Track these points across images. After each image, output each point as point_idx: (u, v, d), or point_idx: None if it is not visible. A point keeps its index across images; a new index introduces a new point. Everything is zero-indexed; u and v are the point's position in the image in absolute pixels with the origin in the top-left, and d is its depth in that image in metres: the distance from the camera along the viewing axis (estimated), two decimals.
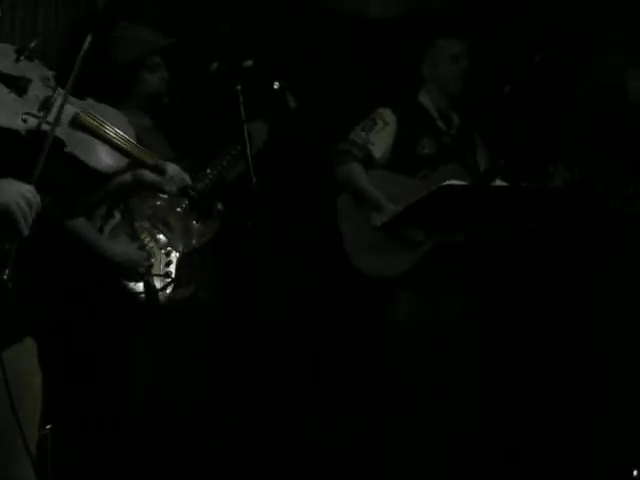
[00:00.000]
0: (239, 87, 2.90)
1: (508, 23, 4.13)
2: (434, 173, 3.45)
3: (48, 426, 2.31)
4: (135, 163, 2.14)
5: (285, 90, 3.35)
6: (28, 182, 1.92)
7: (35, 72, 2.04)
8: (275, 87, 3.32)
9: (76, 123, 2.05)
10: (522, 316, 3.82)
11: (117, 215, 3.16)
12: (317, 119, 4.00)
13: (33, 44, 2.03)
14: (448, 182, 3.01)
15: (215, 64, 2.99)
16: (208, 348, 3.42)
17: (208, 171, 3.33)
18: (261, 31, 3.91)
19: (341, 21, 4.37)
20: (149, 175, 2.19)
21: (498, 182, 3.25)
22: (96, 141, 2.07)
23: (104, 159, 2.07)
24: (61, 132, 2.01)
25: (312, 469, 3.92)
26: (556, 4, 4.01)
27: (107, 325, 3.13)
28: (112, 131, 2.10)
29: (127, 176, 2.17)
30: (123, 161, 2.11)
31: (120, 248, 3.10)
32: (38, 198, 1.92)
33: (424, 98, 3.62)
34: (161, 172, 2.20)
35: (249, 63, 2.96)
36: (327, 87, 4.13)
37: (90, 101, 2.13)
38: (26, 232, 1.90)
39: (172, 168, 2.23)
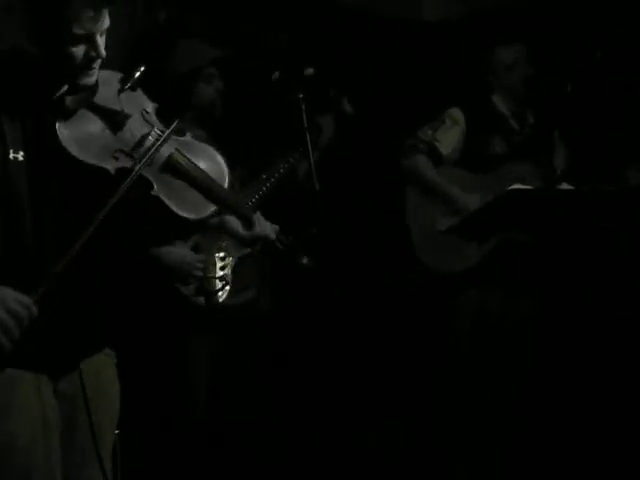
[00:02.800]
0: (301, 95, 2.91)
1: (566, 21, 4.09)
2: (504, 172, 3.45)
3: (116, 431, 2.32)
4: (224, 209, 2.10)
5: (341, 97, 3.35)
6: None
7: (135, 104, 2.03)
8: (331, 94, 3.33)
9: (168, 165, 2.00)
10: (588, 319, 3.76)
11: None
12: (375, 124, 3.99)
13: (138, 73, 1.99)
14: (514, 187, 2.97)
15: (277, 73, 3.00)
16: (265, 354, 3.43)
17: (264, 176, 3.34)
18: (318, 39, 3.91)
19: (396, 25, 4.36)
20: (236, 226, 2.17)
21: (564, 185, 3.20)
22: (186, 185, 2.01)
23: (190, 206, 2.01)
24: (150, 173, 1.97)
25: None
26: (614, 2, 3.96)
27: (165, 329, 3.16)
28: (204, 176, 2.04)
29: (214, 221, 2.12)
30: (211, 208, 2.04)
31: (175, 251, 3.12)
32: (34, 309, 1.84)
33: (497, 98, 3.65)
34: (249, 225, 2.17)
35: (310, 71, 2.96)
36: (385, 92, 4.12)
37: (188, 138, 2.11)
38: (8, 347, 1.81)
39: (261, 223, 2.21)
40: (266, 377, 3.46)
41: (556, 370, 3.65)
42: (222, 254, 3.25)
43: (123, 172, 1.94)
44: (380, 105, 4.06)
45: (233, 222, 2.17)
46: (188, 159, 2.03)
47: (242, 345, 3.32)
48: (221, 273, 3.23)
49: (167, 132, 1.99)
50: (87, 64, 1.93)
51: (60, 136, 1.91)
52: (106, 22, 1.93)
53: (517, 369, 3.46)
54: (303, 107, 2.90)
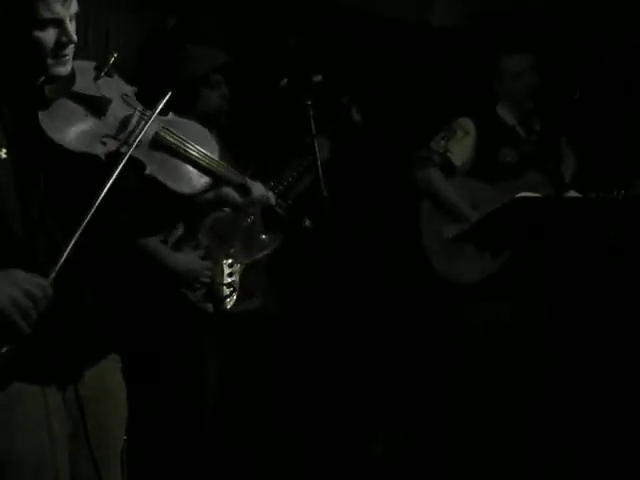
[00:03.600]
0: (309, 102, 2.91)
1: (573, 27, 4.08)
2: (515, 181, 3.44)
3: (124, 437, 2.32)
4: (218, 181, 2.09)
5: (350, 105, 3.35)
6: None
7: (115, 89, 2.01)
8: (343, 101, 3.33)
9: (157, 143, 2.00)
10: (599, 327, 3.76)
11: (180, 226, 3.19)
12: (385, 131, 3.99)
13: (113, 58, 1.98)
14: (521, 194, 2.97)
15: (285, 80, 3.00)
16: (273, 361, 3.43)
17: (272, 184, 3.35)
18: (326, 46, 3.92)
19: (405, 32, 4.36)
20: (233, 194, 2.13)
21: (572, 193, 3.20)
22: (178, 161, 2.02)
23: (185, 180, 2.02)
24: (141, 154, 1.97)
25: None
26: (621, 6, 3.95)
27: (173, 335, 3.16)
28: (194, 149, 2.04)
29: (210, 194, 2.10)
30: (205, 180, 2.06)
31: (182, 258, 3.13)
32: (49, 290, 1.82)
33: (501, 109, 3.63)
34: (246, 192, 2.14)
35: (319, 78, 2.96)
36: (395, 99, 4.12)
37: (172, 117, 2.09)
38: (27, 331, 1.80)
39: (257, 188, 2.18)
40: (274, 383, 3.46)
41: (565, 378, 3.65)
42: (230, 261, 3.26)
43: (113, 157, 1.92)
44: (388, 113, 4.06)
45: (229, 192, 2.14)
46: (175, 135, 2.03)
47: (250, 352, 3.33)
48: (229, 280, 3.24)
49: (155, 111, 1.98)
50: (58, 50, 1.88)
51: (44, 128, 1.87)
52: (74, 6, 1.88)
53: (526, 377, 3.45)
54: (311, 114, 2.90)
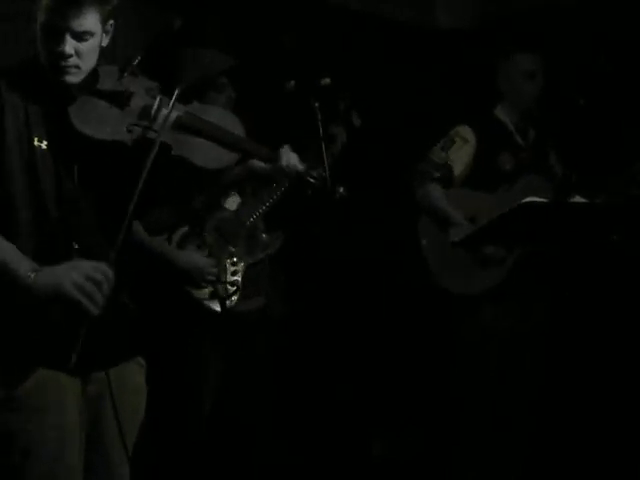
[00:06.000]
0: (317, 104, 2.91)
1: (578, 34, 4.08)
2: (515, 187, 3.43)
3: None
4: (245, 156, 2.16)
5: (350, 108, 3.35)
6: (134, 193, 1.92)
7: (138, 85, 2.11)
8: (340, 106, 3.33)
9: (180, 126, 2.09)
10: (602, 331, 3.77)
11: (185, 225, 3.20)
12: (387, 134, 3.99)
13: (137, 60, 2.11)
14: (529, 199, 2.97)
15: (292, 82, 3.00)
16: (272, 362, 3.43)
17: (274, 185, 3.35)
18: (330, 48, 3.92)
19: (409, 32, 4.36)
20: (260, 165, 2.20)
21: (577, 198, 3.20)
22: (202, 141, 2.10)
23: (211, 157, 2.09)
24: (166, 137, 2.05)
25: None
26: (626, 12, 3.96)
27: (177, 333, 3.17)
28: (217, 128, 2.12)
29: (238, 169, 2.19)
30: (231, 156, 2.12)
31: (187, 255, 3.16)
32: (111, 274, 1.90)
33: (501, 112, 3.58)
34: (273, 160, 2.19)
35: (327, 81, 2.96)
36: (396, 102, 4.13)
37: (195, 104, 2.18)
38: (95, 312, 1.88)
39: (286, 155, 2.23)
40: (275, 382, 3.46)
41: (567, 380, 3.67)
42: (234, 259, 3.27)
43: (139, 143, 2.03)
44: (389, 116, 4.07)
45: (258, 163, 2.22)
46: (197, 117, 2.12)
47: (252, 350, 3.33)
48: (232, 279, 3.26)
49: (174, 96, 2.07)
50: (55, 60, 1.99)
51: (73, 122, 1.99)
52: (81, 24, 1.97)
53: (528, 379, 3.47)
54: (319, 116, 2.90)
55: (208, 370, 3.25)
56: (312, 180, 2.27)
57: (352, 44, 4.19)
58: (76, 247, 2.00)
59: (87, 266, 1.91)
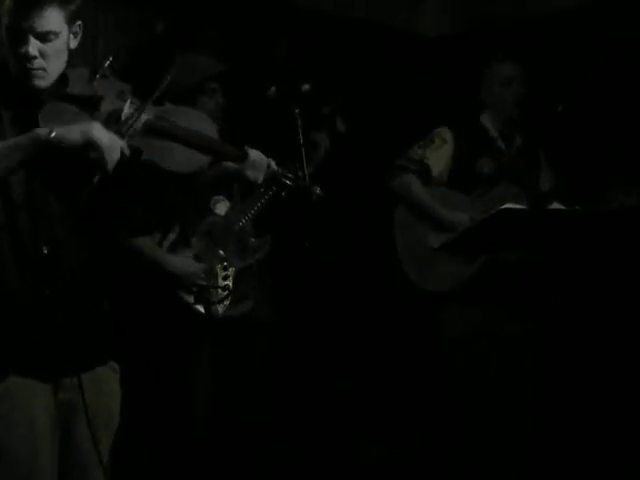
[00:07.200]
0: (297, 110, 2.92)
1: (559, 41, 4.11)
2: (490, 192, 3.46)
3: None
4: (216, 158, 2.14)
5: (335, 114, 3.37)
6: None
7: (110, 88, 2.09)
8: (324, 112, 3.34)
9: (151, 130, 2.07)
10: (579, 336, 3.79)
11: (175, 230, 3.20)
12: (371, 140, 4.00)
13: (108, 62, 2.08)
14: (506, 205, 2.99)
15: (273, 88, 3.01)
16: (264, 365, 3.44)
17: (262, 190, 3.36)
18: (315, 54, 3.93)
19: (395, 39, 4.38)
20: (231, 165, 2.17)
21: (555, 205, 3.22)
22: (171, 144, 2.08)
23: (180, 160, 2.08)
24: (136, 141, 2.04)
25: None
26: (609, 20, 3.98)
27: (167, 337, 3.17)
28: (187, 131, 2.10)
29: (211, 172, 2.16)
30: (202, 159, 2.11)
31: (178, 260, 3.16)
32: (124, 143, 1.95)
33: (485, 119, 3.62)
34: (242, 159, 2.18)
35: (307, 87, 2.97)
36: (381, 107, 4.14)
37: (168, 106, 2.16)
38: (109, 166, 1.92)
39: (254, 153, 2.21)
40: (267, 386, 3.47)
41: (568, 382, 3.68)
42: (224, 264, 3.27)
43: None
44: (373, 122, 4.08)
45: (229, 164, 2.19)
46: (167, 120, 2.10)
47: (242, 354, 3.34)
48: (224, 283, 3.27)
49: (146, 101, 2.06)
50: (20, 63, 1.98)
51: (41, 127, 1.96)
52: (42, 25, 1.96)
53: (515, 382, 3.47)
54: (299, 123, 2.91)
55: (197, 373, 3.24)
56: (287, 181, 2.26)
57: (337, 51, 4.20)
58: (45, 252, 1.99)
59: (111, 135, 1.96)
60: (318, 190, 2.36)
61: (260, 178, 2.21)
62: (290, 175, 2.36)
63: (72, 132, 1.92)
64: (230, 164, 2.18)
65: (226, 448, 3.30)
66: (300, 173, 3.14)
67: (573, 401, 3.82)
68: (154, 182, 2.11)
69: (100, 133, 1.92)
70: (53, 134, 1.90)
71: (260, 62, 3.33)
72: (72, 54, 2.09)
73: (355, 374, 4.13)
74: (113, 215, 2.06)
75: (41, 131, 1.91)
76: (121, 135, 2.00)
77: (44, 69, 2.00)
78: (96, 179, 1.93)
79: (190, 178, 2.12)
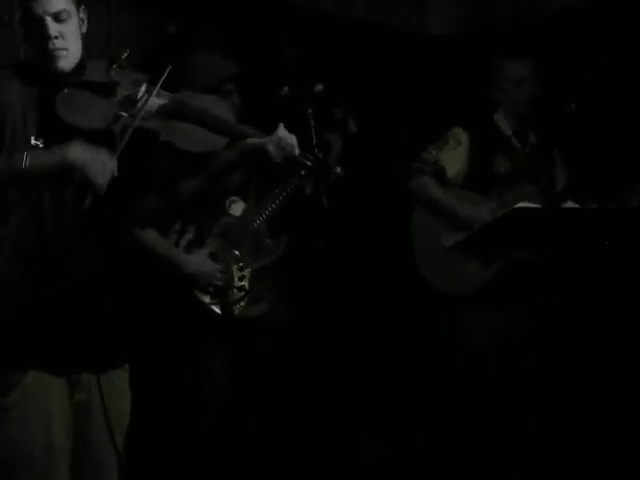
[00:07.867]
0: (310, 111, 2.91)
1: (570, 38, 4.10)
2: (508, 192, 3.45)
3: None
4: (235, 139, 2.15)
5: (347, 115, 3.36)
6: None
7: (125, 76, 2.13)
8: (336, 114, 3.34)
9: (166, 112, 2.10)
10: (591, 337, 3.78)
11: (191, 230, 3.21)
12: (383, 141, 4.00)
13: (126, 54, 2.12)
14: (520, 204, 2.98)
15: (285, 88, 3.01)
16: (275, 366, 3.44)
17: (276, 191, 3.37)
18: (326, 55, 3.93)
19: (399, 39, 4.37)
20: (252, 140, 2.16)
21: (570, 204, 3.21)
22: (189, 125, 2.11)
23: (197, 140, 2.10)
24: (153, 124, 2.08)
25: None
26: (609, 20, 3.97)
27: (182, 338, 3.18)
28: (204, 112, 2.13)
29: (230, 152, 2.16)
30: (218, 139, 2.13)
31: (194, 259, 3.17)
32: (115, 163, 1.95)
33: (499, 117, 3.61)
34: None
35: (320, 87, 2.97)
36: (390, 108, 4.13)
37: (184, 92, 2.19)
38: (99, 185, 1.94)
39: (283, 130, 2.20)
40: (278, 386, 3.47)
41: (565, 384, 3.67)
42: (240, 264, 3.28)
43: (125, 130, 2.03)
44: (385, 123, 4.07)
45: (249, 140, 2.18)
46: (184, 102, 2.14)
47: (256, 356, 3.34)
48: (240, 284, 3.27)
49: (159, 82, 2.09)
50: (43, 47, 2.04)
51: (60, 114, 2.02)
52: (54, 4, 2.04)
53: (526, 384, 3.47)
54: (312, 123, 2.90)
55: (211, 374, 3.25)
56: (307, 161, 2.25)
57: (348, 51, 4.19)
58: (59, 249, 2.03)
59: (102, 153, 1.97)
60: (339, 170, 2.34)
61: (280, 157, 2.16)
62: (309, 155, 2.32)
63: (48, 157, 1.95)
64: (252, 140, 2.15)
65: (226, 448, 3.31)
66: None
67: (573, 401, 3.80)
68: (170, 167, 2.12)
69: (78, 154, 1.94)
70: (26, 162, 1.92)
71: (270, 62, 3.32)
72: (86, 41, 2.15)
73: (357, 374, 4.13)
74: (128, 203, 2.07)
75: (17, 157, 1.93)
76: (138, 118, 2.01)
77: (65, 49, 2.06)
78: (88, 200, 1.94)
79: (207, 159, 2.13)
